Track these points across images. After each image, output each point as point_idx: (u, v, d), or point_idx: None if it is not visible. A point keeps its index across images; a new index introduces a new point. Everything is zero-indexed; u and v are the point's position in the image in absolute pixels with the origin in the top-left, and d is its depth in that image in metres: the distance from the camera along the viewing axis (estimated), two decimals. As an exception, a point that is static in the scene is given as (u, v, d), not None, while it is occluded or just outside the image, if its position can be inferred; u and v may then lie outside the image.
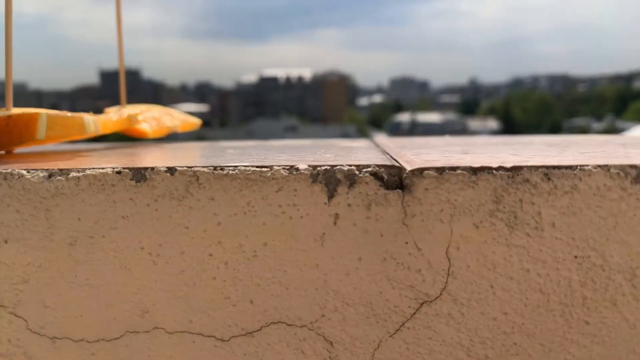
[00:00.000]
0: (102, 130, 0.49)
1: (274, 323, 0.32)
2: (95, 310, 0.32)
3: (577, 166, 0.30)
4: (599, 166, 0.30)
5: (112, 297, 0.32)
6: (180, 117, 0.65)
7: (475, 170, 0.30)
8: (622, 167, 0.30)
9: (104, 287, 0.32)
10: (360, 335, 0.32)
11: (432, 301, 0.31)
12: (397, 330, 0.31)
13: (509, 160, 0.31)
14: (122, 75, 0.60)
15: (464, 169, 0.30)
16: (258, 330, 0.32)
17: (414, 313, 0.31)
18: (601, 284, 0.31)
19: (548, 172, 0.30)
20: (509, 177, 0.30)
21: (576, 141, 0.56)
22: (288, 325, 0.32)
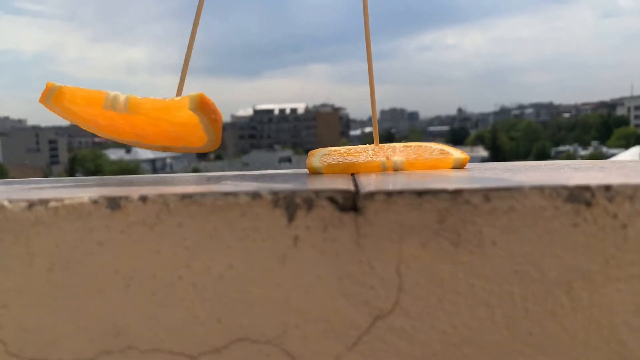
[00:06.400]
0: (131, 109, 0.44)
1: (239, 340, 0.34)
2: (72, 332, 0.34)
3: (514, 188, 0.33)
4: (534, 187, 0.33)
5: (87, 319, 0.34)
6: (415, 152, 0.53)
7: (420, 193, 0.33)
8: (555, 188, 0.33)
9: (80, 310, 0.34)
10: (321, 349, 0.34)
11: (385, 316, 0.33)
12: (355, 344, 0.34)
13: (452, 183, 0.34)
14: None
15: (410, 192, 0.33)
16: (225, 347, 0.34)
17: (370, 327, 0.33)
18: (541, 297, 0.33)
19: (487, 193, 0.33)
20: (451, 199, 0.33)
21: (537, 166, 0.59)
22: (253, 341, 0.34)
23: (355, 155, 0.53)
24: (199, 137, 0.46)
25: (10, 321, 0.34)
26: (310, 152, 0.55)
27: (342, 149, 0.56)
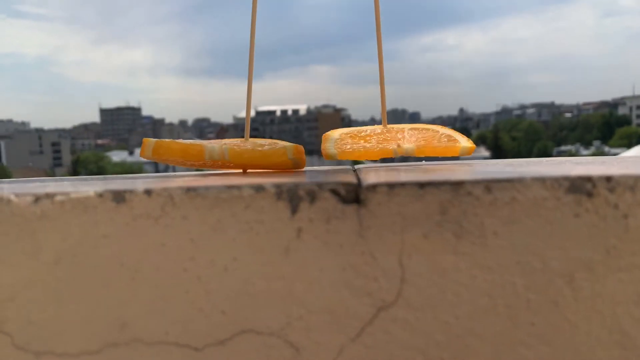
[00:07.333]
0: (231, 159, 0.49)
1: (244, 332, 0.34)
2: (78, 325, 0.35)
3: (515, 179, 0.33)
4: (536, 178, 0.33)
5: (93, 312, 0.35)
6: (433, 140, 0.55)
7: (422, 185, 0.33)
8: (556, 179, 0.33)
9: (86, 303, 0.35)
10: (324, 341, 0.34)
11: (388, 307, 0.34)
12: (358, 335, 0.34)
13: (454, 175, 0.35)
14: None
15: (412, 183, 0.33)
16: (229, 339, 0.34)
17: (373, 319, 0.34)
18: (543, 287, 0.33)
19: (488, 185, 0.33)
20: (453, 190, 0.33)
21: (539, 161, 0.59)
22: (257, 333, 0.34)
23: (368, 140, 0.54)
24: (286, 166, 0.50)
25: (16, 314, 0.35)
26: (324, 136, 0.55)
27: (354, 130, 0.57)
